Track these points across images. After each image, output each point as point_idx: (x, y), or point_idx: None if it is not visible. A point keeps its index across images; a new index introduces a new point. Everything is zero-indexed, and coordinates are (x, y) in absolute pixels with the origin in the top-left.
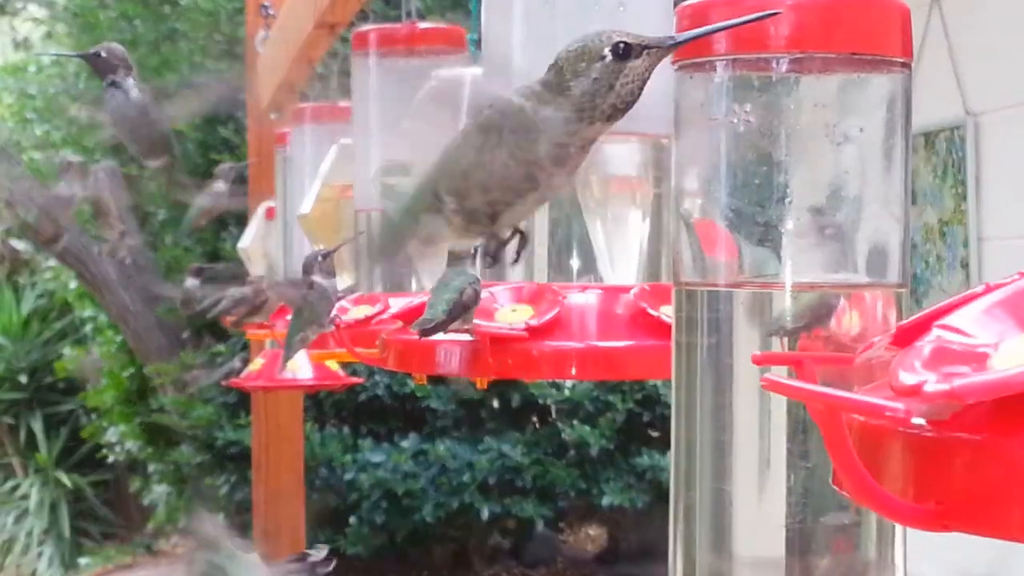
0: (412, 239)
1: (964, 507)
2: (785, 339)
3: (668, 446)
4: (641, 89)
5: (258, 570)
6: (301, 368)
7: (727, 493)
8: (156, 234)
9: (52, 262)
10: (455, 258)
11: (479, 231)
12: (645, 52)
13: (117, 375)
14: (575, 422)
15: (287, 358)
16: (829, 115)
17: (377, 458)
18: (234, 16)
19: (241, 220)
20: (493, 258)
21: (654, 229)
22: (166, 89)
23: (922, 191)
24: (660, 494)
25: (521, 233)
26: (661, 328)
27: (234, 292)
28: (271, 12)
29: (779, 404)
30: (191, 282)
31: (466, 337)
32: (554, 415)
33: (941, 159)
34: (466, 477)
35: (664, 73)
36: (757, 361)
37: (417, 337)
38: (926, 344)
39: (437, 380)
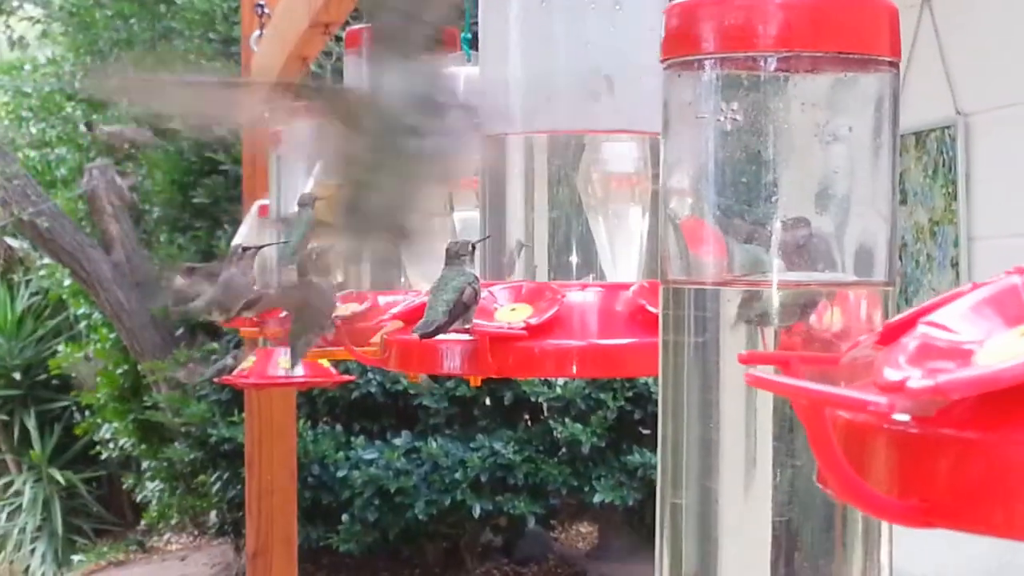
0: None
1: (948, 503)
2: (768, 333)
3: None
4: (452, 14)
5: None
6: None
7: (713, 491)
8: (150, 232)
9: (46, 259)
10: (453, 257)
11: (377, 225)
12: None
13: (111, 372)
14: (567, 420)
15: (294, 364)
16: (818, 114)
17: (370, 455)
18: (229, 15)
19: (236, 219)
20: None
21: (653, 226)
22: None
23: (912, 191)
24: (651, 492)
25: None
26: None
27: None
28: (266, 11)
29: (765, 402)
30: (181, 282)
31: (466, 337)
32: (546, 413)
33: (932, 159)
34: (458, 474)
35: (660, 71)
36: (744, 360)
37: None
38: (911, 340)
39: (430, 378)
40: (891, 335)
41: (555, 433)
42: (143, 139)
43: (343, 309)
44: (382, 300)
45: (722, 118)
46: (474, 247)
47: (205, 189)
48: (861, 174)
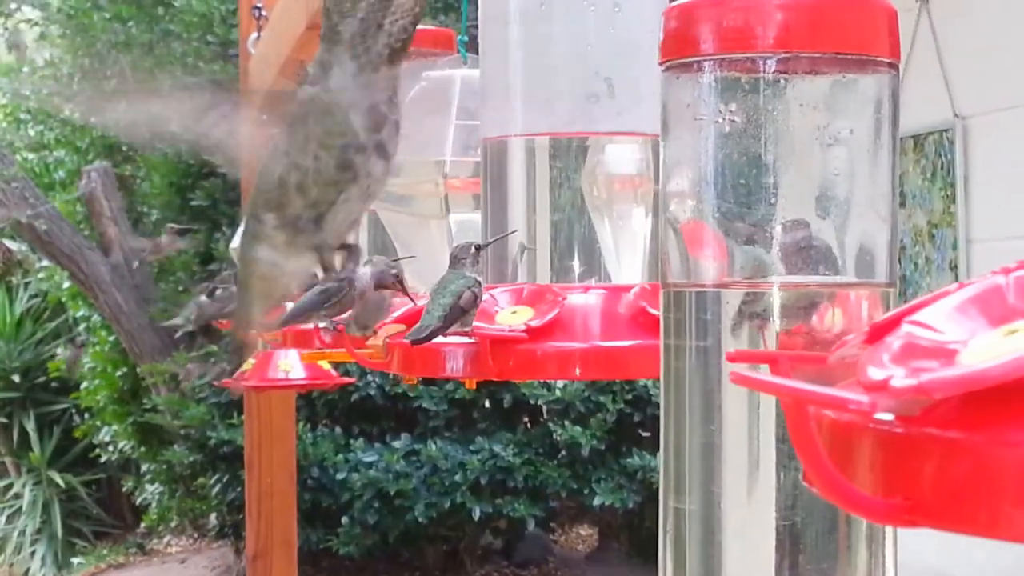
0: (260, 285)
1: (932, 503)
2: (769, 335)
3: (658, 447)
4: (413, 27)
5: None
6: (293, 368)
7: (716, 495)
8: (149, 234)
9: (45, 262)
10: (455, 261)
11: (308, 242)
12: None
13: (110, 375)
14: (566, 422)
15: (283, 323)
16: (817, 116)
17: (369, 458)
18: (227, 18)
19: (234, 221)
20: (328, 269)
21: (656, 227)
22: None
23: (911, 193)
24: (651, 494)
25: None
26: None
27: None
28: (264, 14)
29: (768, 405)
30: (203, 300)
31: (467, 340)
32: (545, 415)
33: (930, 162)
34: (458, 477)
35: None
36: (731, 358)
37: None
38: (895, 340)
39: (429, 380)
40: (878, 334)
41: (555, 436)
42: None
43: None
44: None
45: (721, 120)
46: (478, 249)
47: (203, 191)
48: (861, 175)
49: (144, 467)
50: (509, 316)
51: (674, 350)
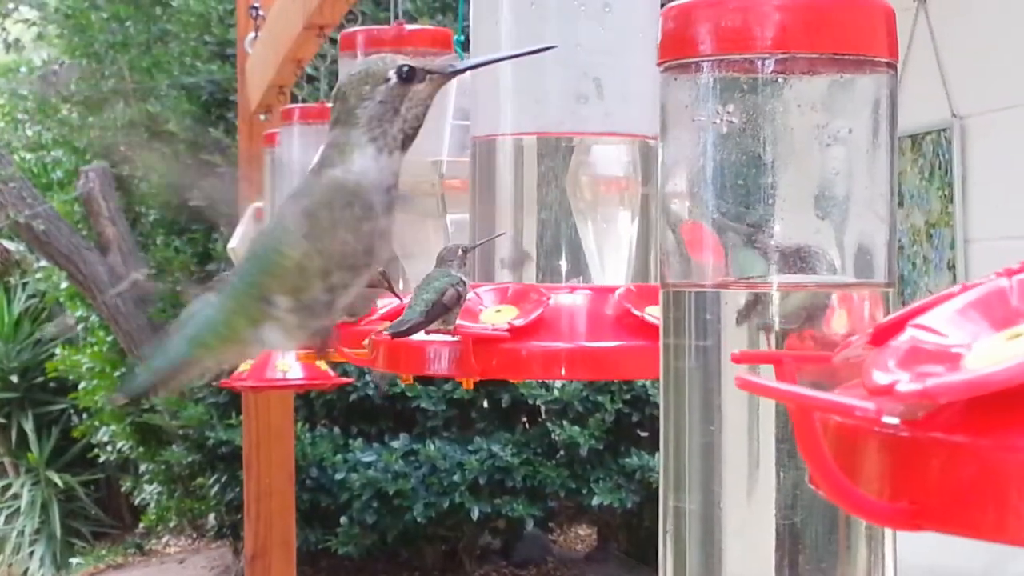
0: (226, 355)
1: (937, 507)
2: (772, 337)
3: (657, 446)
4: (423, 116)
5: None
6: (291, 368)
7: (716, 495)
8: (147, 234)
9: (43, 262)
10: (441, 262)
11: (317, 324)
12: (428, 77)
13: (108, 375)
14: (565, 422)
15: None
16: (815, 116)
17: (368, 458)
18: (225, 18)
19: (232, 221)
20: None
21: (642, 229)
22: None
23: (909, 193)
24: (650, 494)
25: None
26: (646, 329)
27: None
28: (261, 13)
29: (768, 405)
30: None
31: (451, 338)
32: (544, 415)
33: (928, 161)
34: (456, 477)
35: (649, 74)
36: (736, 360)
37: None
38: (900, 344)
39: (427, 380)
40: (882, 336)
41: (553, 435)
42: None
43: None
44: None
45: (719, 121)
46: (465, 251)
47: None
48: (859, 175)
49: (142, 467)
50: (493, 315)
51: (673, 350)
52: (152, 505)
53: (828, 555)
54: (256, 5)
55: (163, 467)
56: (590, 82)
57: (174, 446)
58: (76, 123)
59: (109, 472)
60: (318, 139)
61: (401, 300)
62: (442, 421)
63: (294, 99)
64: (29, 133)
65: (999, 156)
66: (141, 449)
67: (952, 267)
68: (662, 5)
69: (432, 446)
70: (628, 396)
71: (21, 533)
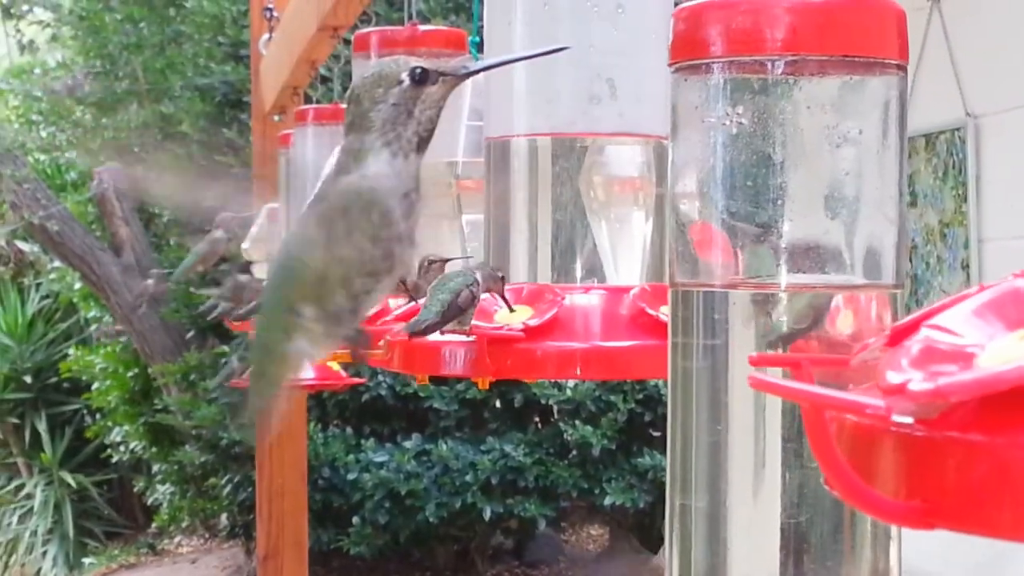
0: (285, 373)
1: (950, 505)
2: (781, 341)
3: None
4: (437, 118)
5: None
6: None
7: (722, 493)
8: (160, 235)
9: (57, 263)
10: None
11: (344, 331)
12: (441, 79)
13: (121, 376)
14: (577, 422)
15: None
16: (825, 118)
17: (380, 458)
18: (238, 19)
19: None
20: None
21: (657, 229)
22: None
23: (923, 193)
24: (662, 494)
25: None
26: (661, 328)
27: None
28: (275, 15)
29: (775, 404)
30: (241, 278)
31: (466, 338)
32: (556, 415)
33: (941, 161)
34: (469, 477)
35: (662, 74)
36: (754, 362)
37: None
38: (914, 344)
39: (440, 380)
40: (899, 337)
41: (565, 435)
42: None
43: None
44: (392, 303)
45: (729, 122)
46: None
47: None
48: (869, 177)
49: (155, 467)
50: (508, 315)
51: (681, 349)
52: (165, 505)
53: (833, 554)
54: (270, 6)
55: (176, 467)
56: (603, 83)
57: (187, 446)
58: (90, 124)
59: (122, 472)
60: (332, 140)
61: (416, 302)
62: (454, 421)
63: (308, 100)
64: (43, 134)
65: (1013, 155)
66: (154, 449)
67: (966, 267)
68: (675, 5)
69: (444, 446)
70: (641, 396)
71: (34, 533)
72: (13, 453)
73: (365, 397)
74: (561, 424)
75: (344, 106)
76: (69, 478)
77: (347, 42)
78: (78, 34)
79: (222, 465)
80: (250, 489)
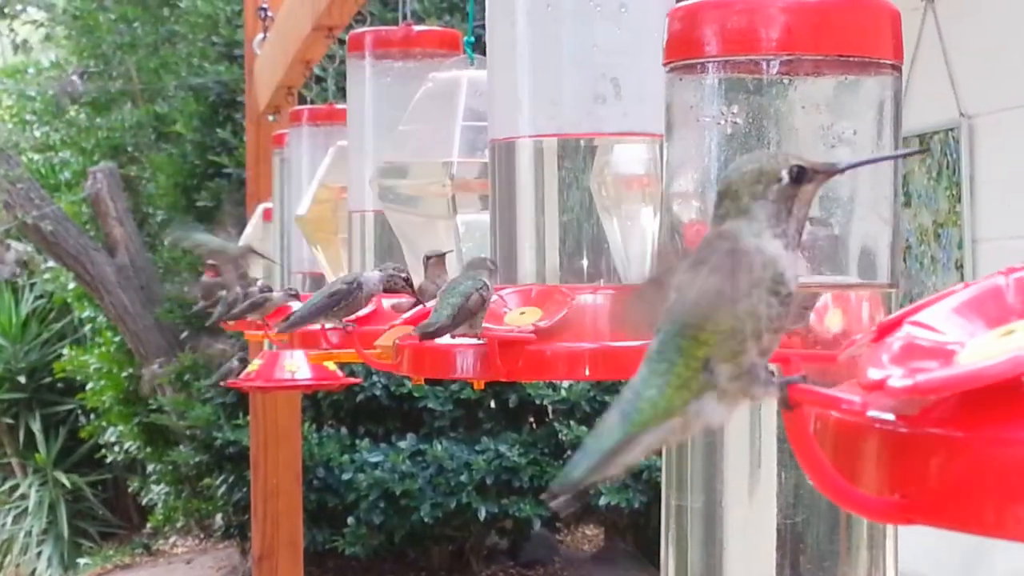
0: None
1: (930, 501)
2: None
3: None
4: (806, 217)
5: None
6: (299, 368)
7: (718, 493)
8: (154, 235)
9: (51, 263)
10: (471, 265)
11: (755, 390)
12: (815, 177)
13: (116, 376)
14: (572, 422)
15: (288, 327)
16: (820, 117)
17: (375, 458)
18: (232, 19)
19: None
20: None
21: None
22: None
23: (916, 193)
24: (657, 494)
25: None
26: None
27: (226, 295)
28: (269, 14)
29: (770, 405)
30: (208, 280)
31: (476, 341)
32: (551, 415)
33: (935, 161)
34: (463, 477)
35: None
36: None
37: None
38: (895, 340)
39: (434, 380)
40: (884, 334)
41: (560, 435)
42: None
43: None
44: (386, 303)
45: (724, 121)
46: (495, 264)
47: (209, 192)
48: (863, 177)
49: (150, 467)
50: (518, 317)
51: None
52: (159, 505)
53: (829, 555)
54: (264, 6)
55: (170, 467)
56: (608, 83)
57: (181, 446)
58: (84, 124)
59: (116, 472)
60: (327, 140)
61: (423, 304)
62: (449, 421)
63: (302, 100)
64: (37, 134)
65: (1007, 156)
66: (148, 449)
67: (960, 267)
68: (677, 3)
69: (439, 446)
70: None
71: (29, 533)
72: (7, 453)
73: (360, 397)
74: (556, 424)
75: (716, 199)
76: (63, 478)
77: (341, 42)
78: (72, 34)
79: (217, 465)
80: (245, 489)
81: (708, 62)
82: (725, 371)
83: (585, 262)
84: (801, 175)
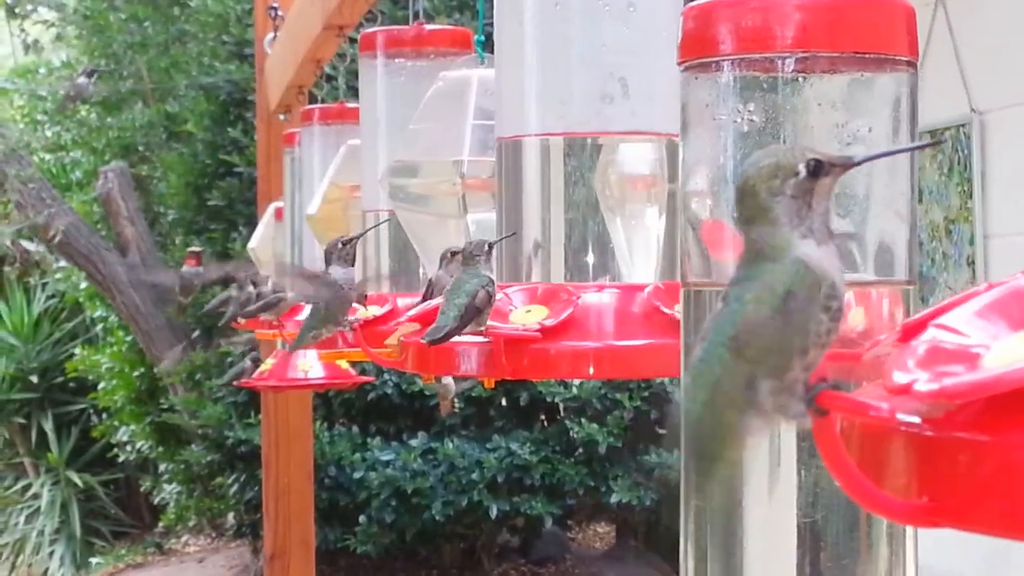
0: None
1: (956, 504)
2: None
3: (676, 443)
4: (829, 211)
5: None
6: (312, 367)
7: (738, 493)
8: (165, 234)
9: (62, 263)
10: (469, 258)
11: (793, 409)
12: (833, 169)
13: (127, 375)
14: (583, 420)
15: (294, 348)
16: (836, 115)
17: (386, 457)
18: (243, 18)
19: (251, 221)
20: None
21: (669, 227)
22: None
23: (928, 189)
24: (668, 491)
25: (539, 245)
26: (675, 326)
27: (237, 294)
28: (280, 14)
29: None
30: (188, 269)
31: (481, 339)
32: (562, 413)
33: (947, 157)
34: (475, 475)
35: (674, 72)
36: None
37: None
38: (920, 344)
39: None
40: (909, 334)
41: (571, 433)
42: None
43: (364, 312)
44: (401, 303)
45: (740, 120)
46: (491, 247)
47: (220, 191)
48: (880, 174)
49: (162, 467)
50: (523, 315)
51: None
52: (171, 504)
53: (849, 553)
54: (275, 5)
55: (182, 467)
56: (616, 82)
57: (193, 446)
58: (95, 124)
59: (128, 472)
60: (338, 139)
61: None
62: (460, 419)
63: (313, 99)
64: (48, 134)
65: (1018, 151)
66: (160, 449)
67: (971, 263)
68: (685, 3)
69: (450, 444)
70: (646, 393)
71: (41, 533)
72: (20, 453)
73: (371, 396)
74: (567, 422)
75: (736, 198)
76: (76, 478)
77: (352, 41)
78: (82, 33)
79: (228, 464)
80: (256, 488)
81: (723, 60)
82: (766, 388)
83: (591, 261)
84: (818, 168)
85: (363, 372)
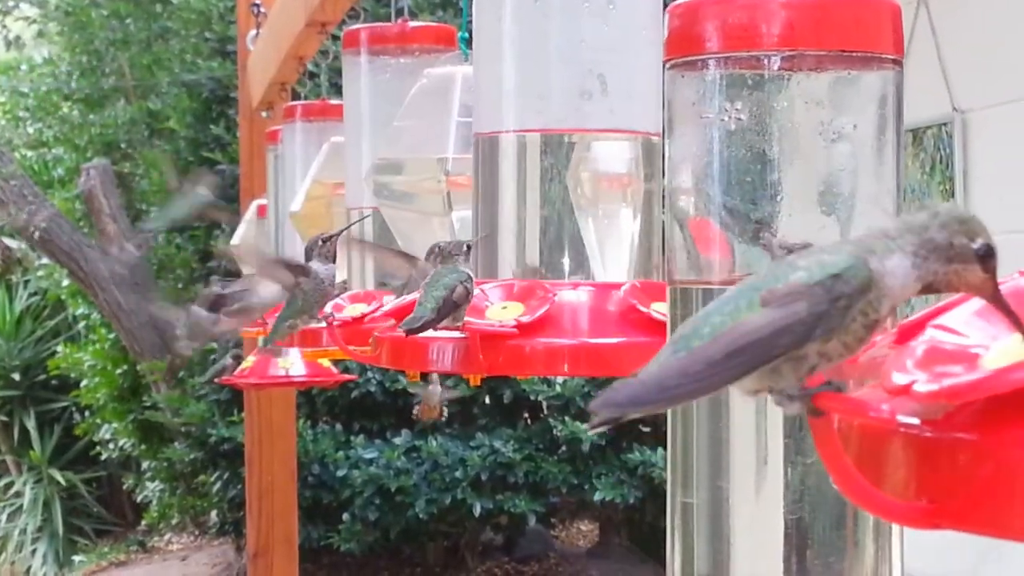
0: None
1: (956, 506)
2: None
3: (659, 441)
4: (954, 288)
5: None
6: (294, 365)
7: (724, 489)
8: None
9: (45, 260)
10: (447, 256)
11: (787, 406)
12: (990, 268)
13: (110, 373)
14: (566, 418)
15: (268, 341)
16: (822, 113)
17: (370, 455)
18: (225, 14)
19: (233, 218)
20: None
21: (644, 226)
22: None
23: (910, 188)
24: (652, 489)
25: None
26: (652, 325)
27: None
28: (262, 10)
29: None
30: (198, 313)
31: (458, 334)
32: (546, 411)
33: (929, 156)
34: (458, 473)
35: (653, 70)
36: None
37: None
38: (919, 344)
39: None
40: (906, 335)
41: (555, 431)
42: None
43: (352, 310)
44: (388, 301)
45: (726, 118)
46: (469, 247)
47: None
48: (866, 172)
49: (145, 465)
50: (499, 311)
51: None
52: (154, 502)
53: (836, 550)
54: (257, 2)
55: (165, 464)
56: (594, 79)
57: (176, 443)
58: (77, 121)
59: (111, 470)
60: (320, 136)
61: (405, 296)
62: (444, 417)
63: (296, 96)
64: (30, 130)
65: (1000, 150)
66: (143, 446)
67: None
68: (665, 2)
69: (434, 442)
70: None
71: (23, 531)
72: (2, 451)
73: (354, 393)
74: (551, 420)
75: (915, 213)
76: (58, 475)
77: (335, 38)
78: (64, 30)
79: (211, 462)
80: (240, 486)
81: (709, 58)
82: (789, 374)
83: (567, 258)
84: (987, 256)
85: (346, 370)
